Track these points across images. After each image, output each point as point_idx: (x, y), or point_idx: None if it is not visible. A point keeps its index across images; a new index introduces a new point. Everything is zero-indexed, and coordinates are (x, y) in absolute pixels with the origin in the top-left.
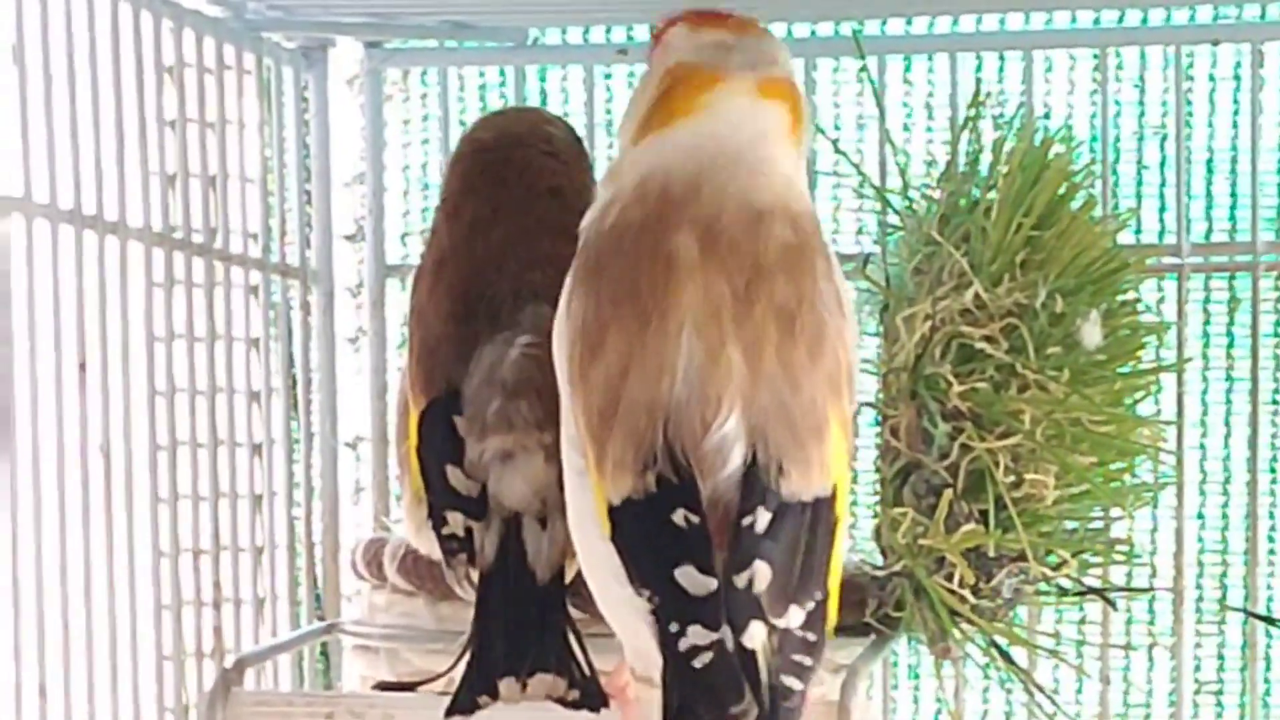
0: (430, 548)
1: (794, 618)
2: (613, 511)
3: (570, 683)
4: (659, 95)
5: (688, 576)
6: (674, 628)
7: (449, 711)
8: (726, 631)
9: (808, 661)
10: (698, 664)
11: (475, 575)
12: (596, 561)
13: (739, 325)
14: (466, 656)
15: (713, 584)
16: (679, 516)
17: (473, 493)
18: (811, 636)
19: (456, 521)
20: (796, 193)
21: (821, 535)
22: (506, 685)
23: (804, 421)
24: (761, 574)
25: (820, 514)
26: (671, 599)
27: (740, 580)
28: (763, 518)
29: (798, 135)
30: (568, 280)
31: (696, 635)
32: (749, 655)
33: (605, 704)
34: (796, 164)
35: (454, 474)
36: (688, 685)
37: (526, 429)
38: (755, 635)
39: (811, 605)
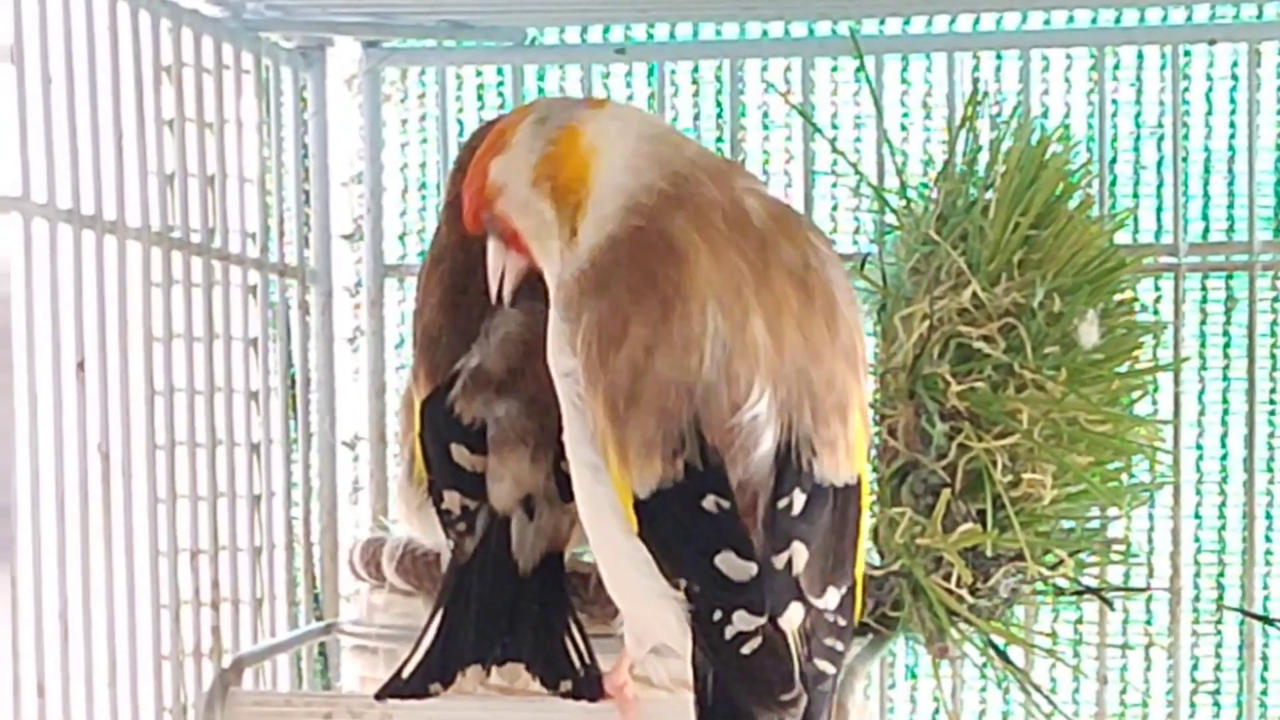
0: (424, 529)
1: (830, 599)
2: (640, 506)
3: (550, 675)
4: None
5: (728, 563)
6: (717, 616)
7: (393, 692)
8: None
9: (839, 646)
10: (746, 650)
11: (448, 560)
12: (618, 556)
13: (759, 293)
14: (427, 640)
15: (753, 569)
16: (709, 502)
17: (477, 469)
18: (842, 621)
19: (453, 500)
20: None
21: (851, 522)
22: (473, 673)
23: (827, 397)
24: (800, 555)
25: (850, 501)
26: (713, 586)
27: (779, 561)
28: (799, 500)
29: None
30: (559, 310)
31: (742, 621)
32: (783, 637)
33: (600, 695)
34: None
35: (458, 451)
36: (735, 673)
37: (513, 443)
38: (792, 617)
39: (844, 589)
